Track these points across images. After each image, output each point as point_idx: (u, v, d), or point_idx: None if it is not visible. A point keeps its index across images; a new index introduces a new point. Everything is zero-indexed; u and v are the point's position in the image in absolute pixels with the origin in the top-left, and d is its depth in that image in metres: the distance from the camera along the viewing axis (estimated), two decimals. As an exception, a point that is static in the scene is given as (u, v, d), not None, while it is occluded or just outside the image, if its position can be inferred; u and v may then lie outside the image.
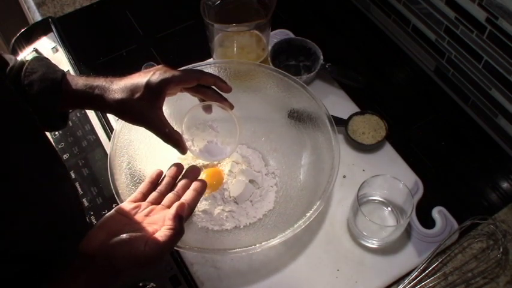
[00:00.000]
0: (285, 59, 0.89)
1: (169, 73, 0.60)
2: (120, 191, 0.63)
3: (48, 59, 0.64)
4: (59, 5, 1.04)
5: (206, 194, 0.71)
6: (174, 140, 0.62)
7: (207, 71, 0.74)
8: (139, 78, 0.60)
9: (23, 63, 0.60)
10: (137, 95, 0.59)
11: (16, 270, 0.47)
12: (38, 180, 0.53)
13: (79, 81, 0.61)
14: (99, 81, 0.61)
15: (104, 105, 0.60)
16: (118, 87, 0.60)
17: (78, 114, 0.85)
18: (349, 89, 0.87)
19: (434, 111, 0.87)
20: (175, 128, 0.63)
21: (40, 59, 0.62)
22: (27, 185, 0.49)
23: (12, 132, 0.49)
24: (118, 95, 0.59)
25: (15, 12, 1.25)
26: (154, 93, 0.59)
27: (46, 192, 0.54)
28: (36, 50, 0.94)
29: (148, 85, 0.59)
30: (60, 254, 0.54)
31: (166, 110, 0.64)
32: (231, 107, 0.67)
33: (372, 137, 0.79)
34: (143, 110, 0.59)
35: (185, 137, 0.66)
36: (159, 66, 0.62)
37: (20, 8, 1.16)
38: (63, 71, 0.62)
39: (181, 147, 0.63)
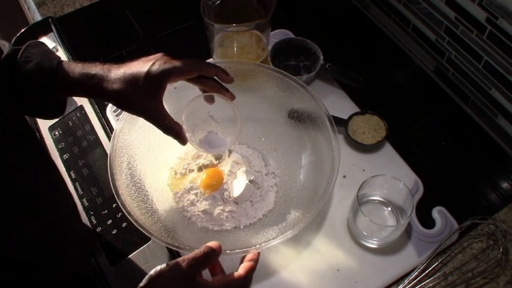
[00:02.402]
0: (285, 59, 0.89)
1: (169, 64, 0.58)
2: (120, 191, 0.63)
3: (43, 44, 0.62)
4: (59, 5, 1.04)
5: (206, 194, 0.71)
6: (174, 131, 0.61)
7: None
8: (139, 67, 0.58)
9: (17, 51, 0.58)
10: (137, 87, 0.57)
11: (16, 277, 0.46)
12: (39, 186, 0.53)
13: (75, 70, 0.59)
14: (96, 69, 0.59)
15: (102, 94, 0.59)
16: (116, 76, 0.58)
17: (78, 114, 0.85)
18: (349, 89, 0.87)
19: (434, 111, 0.87)
20: (176, 120, 0.62)
21: (34, 45, 0.60)
22: (29, 192, 0.50)
23: (9, 142, 0.49)
24: (116, 86, 0.57)
25: (15, 12, 1.25)
26: (154, 85, 0.58)
27: (47, 198, 0.54)
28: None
29: (148, 76, 0.57)
30: (61, 259, 0.54)
31: (168, 108, 0.63)
32: (233, 97, 0.65)
33: (372, 137, 0.79)
34: (143, 102, 0.58)
35: (185, 127, 0.65)
36: (159, 55, 0.60)
37: (20, 8, 1.16)
38: (59, 58, 0.60)
39: (181, 139, 0.62)
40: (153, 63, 0.58)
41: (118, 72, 0.58)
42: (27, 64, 0.57)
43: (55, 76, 0.58)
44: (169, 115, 0.60)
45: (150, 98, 0.58)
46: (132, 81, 0.57)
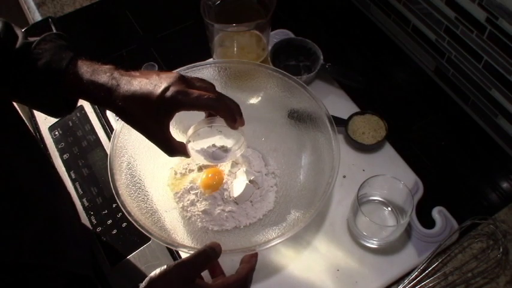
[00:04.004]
0: (285, 59, 0.89)
1: (184, 96, 0.53)
2: (120, 191, 0.63)
3: (59, 38, 0.58)
4: (59, 5, 1.04)
5: (206, 194, 0.71)
6: (178, 154, 0.59)
7: (206, 71, 0.74)
8: (150, 89, 0.53)
9: (29, 45, 0.55)
10: (144, 109, 0.54)
11: (16, 279, 0.46)
12: (38, 188, 0.53)
13: (84, 76, 0.55)
14: (105, 78, 0.55)
15: (108, 107, 0.57)
16: (125, 93, 0.54)
17: (78, 115, 0.85)
18: (349, 89, 0.87)
19: (434, 111, 0.87)
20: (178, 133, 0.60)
21: (48, 40, 0.56)
22: (28, 195, 0.50)
23: (7, 144, 0.49)
24: (124, 103, 0.54)
25: (15, 12, 1.25)
26: (164, 112, 0.54)
27: (46, 200, 0.54)
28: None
29: (158, 102, 0.53)
30: (61, 260, 0.54)
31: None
32: (243, 124, 0.61)
33: (372, 137, 0.79)
34: (148, 124, 0.55)
35: (188, 138, 0.64)
36: (174, 77, 0.55)
37: (20, 8, 1.16)
38: (70, 56, 0.55)
39: (185, 156, 0.61)
40: (167, 89, 0.53)
41: (128, 88, 0.54)
42: (36, 62, 0.54)
43: (62, 79, 0.55)
44: (173, 138, 0.58)
45: (156, 122, 0.55)
46: (141, 102, 0.53)
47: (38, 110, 0.60)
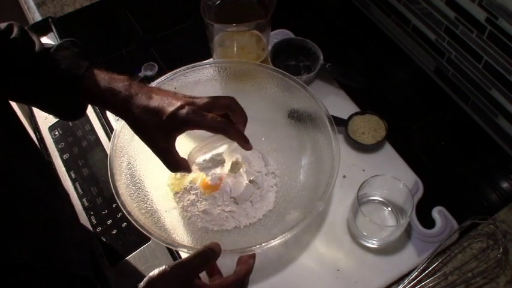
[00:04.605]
0: (285, 59, 0.89)
1: (197, 115, 0.56)
2: (120, 191, 0.63)
3: (75, 45, 0.60)
4: (59, 5, 1.04)
5: (206, 194, 0.71)
6: (180, 170, 0.61)
7: (206, 71, 0.74)
8: (164, 104, 0.56)
9: (47, 50, 0.57)
10: (156, 121, 0.56)
11: (16, 281, 0.46)
12: (38, 189, 0.53)
13: (101, 83, 0.57)
14: (122, 86, 0.57)
15: (120, 114, 0.59)
16: (141, 103, 0.56)
17: (78, 114, 0.85)
18: (349, 89, 0.87)
19: (434, 111, 0.87)
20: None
21: (66, 47, 0.59)
22: (28, 197, 0.50)
23: (6, 145, 0.49)
24: (137, 113, 0.56)
25: (15, 12, 1.25)
26: (174, 127, 0.56)
27: (45, 201, 0.54)
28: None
29: (171, 117, 0.55)
30: (60, 261, 0.54)
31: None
32: (250, 149, 0.63)
33: (372, 137, 0.79)
34: (156, 137, 0.57)
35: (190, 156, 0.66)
36: (191, 97, 0.57)
37: (20, 8, 1.16)
38: (87, 65, 0.58)
39: (187, 171, 0.63)
40: (182, 106, 0.55)
41: (145, 98, 0.56)
42: (56, 67, 0.56)
43: (81, 85, 0.57)
44: (177, 154, 0.59)
45: (165, 136, 0.57)
46: (154, 114, 0.56)
47: (51, 113, 0.62)
